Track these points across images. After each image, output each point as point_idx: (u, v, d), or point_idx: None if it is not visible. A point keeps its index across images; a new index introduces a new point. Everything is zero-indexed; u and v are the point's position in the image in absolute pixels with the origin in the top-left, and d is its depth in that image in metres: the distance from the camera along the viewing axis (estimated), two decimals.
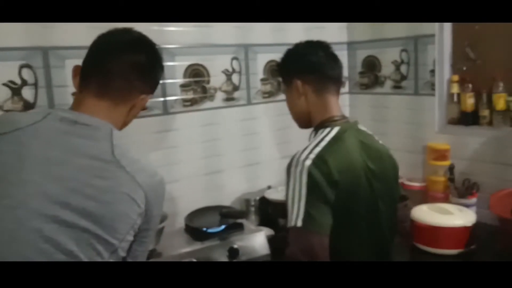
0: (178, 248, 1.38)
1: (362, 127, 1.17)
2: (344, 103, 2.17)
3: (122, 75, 0.92)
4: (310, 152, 1.00)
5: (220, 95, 1.75)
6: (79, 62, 1.51)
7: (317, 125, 1.13)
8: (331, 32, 2.06)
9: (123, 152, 0.87)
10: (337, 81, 1.16)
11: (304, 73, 1.13)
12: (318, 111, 1.12)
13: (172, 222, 1.55)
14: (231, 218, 1.49)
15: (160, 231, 1.37)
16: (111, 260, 0.82)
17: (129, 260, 0.89)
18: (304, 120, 1.17)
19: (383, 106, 2.03)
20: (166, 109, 1.61)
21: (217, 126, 1.74)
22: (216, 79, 1.73)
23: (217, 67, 1.72)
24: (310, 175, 0.97)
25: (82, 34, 1.37)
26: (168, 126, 1.63)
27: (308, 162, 0.98)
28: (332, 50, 1.18)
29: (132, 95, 0.95)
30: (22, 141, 0.81)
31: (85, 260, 0.77)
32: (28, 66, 1.33)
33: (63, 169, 0.80)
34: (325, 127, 1.08)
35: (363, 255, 1.07)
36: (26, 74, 1.33)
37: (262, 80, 1.84)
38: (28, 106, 1.35)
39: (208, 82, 1.71)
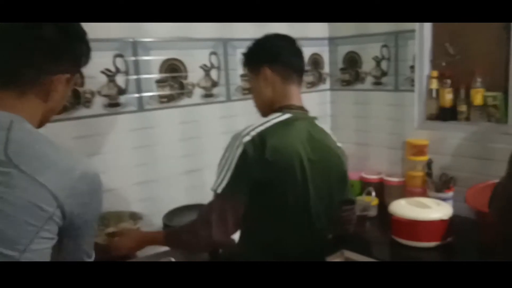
0: (156, 247, 1.36)
1: (319, 123, 1.25)
2: (325, 99, 2.19)
3: (22, 57, 0.82)
4: (253, 130, 1.09)
5: (198, 92, 1.73)
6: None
7: (274, 109, 1.20)
8: (313, 28, 2.07)
9: (21, 149, 0.78)
10: (301, 73, 1.25)
11: (273, 62, 1.20)
12: (280, 100, 1.20)
13: (150, 221, 1.53)
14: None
15: None
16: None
17: (66, 255, 0.84)
18: (267, 109, 1.22)
19: (364, 102, 2.06)
20: (141, 105, 1.58)
21: (196, 124, 1.72)
22: (194, 75, 1.71)
23: (195, 62, 1.70)
24: (244, 150, 1.06)
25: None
26: (144, 124, 1.59)
27: (247, 138, 1.07)
28: (298, 45, 1.25)
29: (42, 80, 0.84)
30: None
31: None
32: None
33: None
34: (278, 111, 1.17)
35: (289, 240, 1.14)
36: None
37: (242, 76, 1.83)
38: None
39: (186, 77, 1.69)
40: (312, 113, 2.08)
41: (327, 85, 2.19)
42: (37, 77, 0.84)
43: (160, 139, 1.64)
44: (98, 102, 1.49)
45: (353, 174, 1.97)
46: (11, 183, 0.75)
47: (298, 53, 1.25)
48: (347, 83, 2.12)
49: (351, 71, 2.10)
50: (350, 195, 1.34)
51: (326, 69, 2.18)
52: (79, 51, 0.92)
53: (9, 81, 0.82)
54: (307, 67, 2.11)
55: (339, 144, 1.29)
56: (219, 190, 1.07)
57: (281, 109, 1.18)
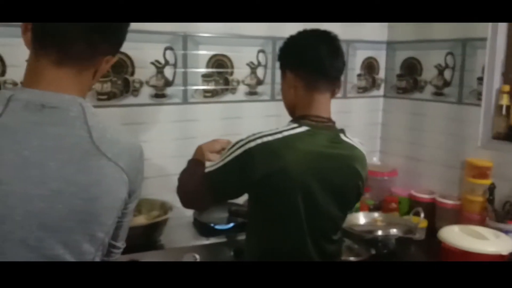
0: (182, 241, 1.45)
1: (346, 137, 1.15)
2: (377, 107, 2.16)
3: (83, 38, 0.83)
4: (260, 138, 1.06)
5: (242, 89, 1.79)
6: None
7: (294, 118, 1.16)
8: (370, 30, 2.05)
9: (102, 134, 0.82)
10: (333, 80, 1.15)
11: (297, 68, 1.14)
12: (302, 106, 1.14)
13: (181, 213, 1.63)
14: (240, 217, 1.54)
15: (164, 222, 1.45)
16: (98, 253, 0.85)
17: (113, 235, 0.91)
18: (292, 111, 1.20)
19: (421, 113, 1.99)
20: (186, 98, 1.68)
21: (238, 120, 1.79)
22: (240, 72, 1.77)
23: (242, 59, 1.77)
24: (243, 154, 1.06)
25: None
26: (186, 116, 1.69)
27: (251, 145, 1.06)
28: (338, 44, 1.15)
29: (96, 60, 0.87)
30: None
31: (72, 260, 0.79)
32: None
33: (43, 171, 0.76)
34: (296, 122, 1.11)
35: (286, 249, 1.13)
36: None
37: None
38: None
39: (231, 74, 1.76)
40: (361, 120, 2.09)
41: (380, 91, 2.16)
42: (93, 56, 0.86)
43: (201, 133, 1.71)
44: (146, 92, 1.61)
45: (401, 190, 1.97)
46: (103, 170, 0.81)
47: (333, 55, 1.14)
48: (403, 91, 2.08)
49: (409, 78, 2.05)
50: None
51: (381, 74, 2.14)
52: (125, 34, 0.95)
53: (68, 57, 0.82)
54: (360, 71, 2.11)
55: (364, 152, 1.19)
56: (206, 170, 1.13)
57: (300, 119, 1.12)
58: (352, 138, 1.18)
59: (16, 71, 1.39)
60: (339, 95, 2.01)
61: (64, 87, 0.82)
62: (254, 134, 1.08)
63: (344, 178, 1.13)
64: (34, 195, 0.76)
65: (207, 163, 1.18)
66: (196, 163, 1.25)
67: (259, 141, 1.06)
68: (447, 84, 1.90)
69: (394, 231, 1.63)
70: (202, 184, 1.13)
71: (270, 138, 1.06)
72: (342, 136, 1.15)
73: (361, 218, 1.75)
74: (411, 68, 2.04)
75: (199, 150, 1.29)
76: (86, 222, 0.81)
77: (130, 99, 1.59)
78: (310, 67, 1.13)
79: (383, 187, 2.04)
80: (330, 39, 1.15)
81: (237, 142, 1.10)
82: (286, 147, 1.06)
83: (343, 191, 1.14)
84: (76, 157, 0.79)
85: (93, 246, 0.83)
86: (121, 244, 0.95)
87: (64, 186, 0.78)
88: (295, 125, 1.10)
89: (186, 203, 1.21)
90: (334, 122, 1.17)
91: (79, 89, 0.85)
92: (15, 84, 1.40)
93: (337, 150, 1.12)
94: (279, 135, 1.07)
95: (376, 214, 1.78)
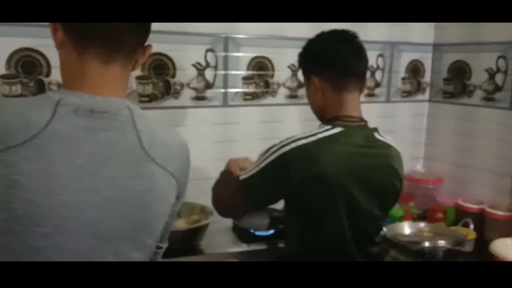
0: (222, 247, 1.44)
1: (380, 136, 1.15)
2: (422, 111, 2.10)
3: (130, 28, 0.79)
4: (294, 141, 1.06)
5: (283, 91, 1.78)
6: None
7: (325, 120, 1.14)
8: (416, 32, 2.00)
9: (151, 139, 0.80)
10: (359, 78, 1.15)
11: (321, 69, 1.13)
12: (333, 108, 1.13)
13: (220, 219, 1.62)
14: (281, 224, 1.52)
15: (204, 227, 1.45)
16: (146, 259, 0.84)
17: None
18: (321, 115, 1.18)
19: (469, 118, 1.93)
20: (226, 101, 1.68)
21: (278, 124, 1.78)
22: (281, 74, 1.76)
23: (283, 62, 1.75)
24: (278, 158, 1.05)
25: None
26: (226, 119, 1.69)
27: (285, 149, 1.05)
28: (358, 42, 1.15)
29: (137, 51, 0.84)
30: (42, 155, 0.71)
31: None
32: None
33: (96, 179, 0.75)
34: (328, 124, 1.10)
35: (328, 254, 1.12)
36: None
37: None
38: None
39: (272, 76, 1.75)
40: (405, 125, 2.05)
41: (426, 95, 2.10)
42: (136, 48, 0.83)
43: (240, 136, 1.73)
44: (186, 94, 1.62)
45: (447, 199, 1.91)
46: (153, 176, 0.79)
47: (356, 54, 1.14)
48: (450, 95, 2.01)
49: (456, 82, 1.98)
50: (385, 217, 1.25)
51: (427, 78, 2.08)
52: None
53: (116, 51, 0.79)
54: (405, 74, 2.06)
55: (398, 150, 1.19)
56: (241, 177, 1.12)
57: (332, 120, 1.12)
58: (385, 136, 1.17)
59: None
60: (382, 99, 2.00)
61: (111, 88, 0.79)
62: (287, 138, 1.08)
63: (382, 177, 1.12)
64: (87, 205, 0.74)
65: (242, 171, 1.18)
66: (229, 173, 1.27)
67: (293, 145, 1.05)
68: (498, 88, 1.83)
69: (442, 242, 1.57)
70: (237, 191, 1.13)
71: (304, 141, 1.06)
72: (376, 134, 1.14)
73: (406, 228, 1.69)
74: (459, 72, 1.97)
75: (231, 163, 1.31)
76: (138, 229, 0.80)
77: (171, 101, 1.60)
78: (335, 68, 1.13)
79: (428, 195, 1.98)
80: (350, 37, 1.16)
81: (271, 147, 1.09)
82: (322, 149, 1.05)
83: (382, 190, 1.13)
84: (127, 164, 0.78)
85: (143, 253, 0.82)
86: (164, 244, 0.95)
87: (117, 194, 0.77)
88: (329, 126, 1.09)
89: (222, 212, 1.22)
90: (366, 121, 1.16)
91: (124, 88, 0.83)
92: (60, 85, 1.42)
93: (373, 149, 1.12)
94: (313, 138, 1.06)
95: (422, 224, 1.73)
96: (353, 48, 1.14)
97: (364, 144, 1.11)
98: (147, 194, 0.79)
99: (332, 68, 1.12)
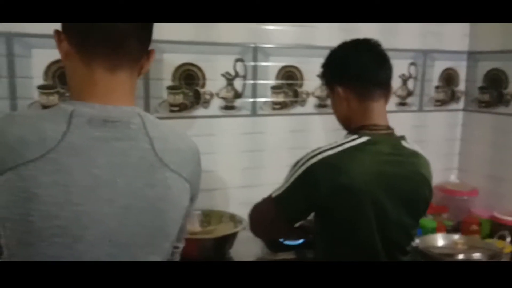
0: (251, 256, 1.44)
1: (407, 143, 1.14)
2: (456, 121, 2.06)
3: (132, 33, 0.79)
4: (320, 153, 1.06)
5: (312, 101, 1.78)
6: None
7: (351, 129, 1.14)
8: (450, 39, 1.96)
9: (164, 145, 0.81)
10: (384, 86, 1.14)
11: (345, 79, 1.14)
12: (358, 118, 1.13)
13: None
14: (311, 233, 1.51)
15: (234, 236, 1.46)
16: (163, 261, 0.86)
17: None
18: (347, 125, 1.18)
19: (505, 129, 1.87)
20: (254, 110, 1.70)
21: (307, 134, 1.78)
22: (310, 83, 1.76)
23: (312, 71, 1.75)
24: (306, 172, 1.05)
25: (182, 30, 1.55)
26: (255, 129, 1.71)
27: (312, 161, 1.05)
28: (381, 50, 1.15)
29: (142, 57, 0.84)
30: (60, 167, 0.72)
31: None
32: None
33: (113, 188, 0.76)
34: (355, 133, 1.10)
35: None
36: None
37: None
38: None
39: (301, 86, 1.75)
40: (438, 135, 2.00)
41: (460, 104, 2.05)
42: (141, 54, 0.83)
43: (269, 145, 1.73)
44: (216, 104, 1.64)
45: (482, 211, 1.86)
46: (167, 182, 0.80)
47: (379, 63, 1.14)
48: (486, 105, 1.96)
49: (492, 91, 1.93)
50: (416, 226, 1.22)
51: (461, 86, 2.04)
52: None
53: (121, 58, 0.79)
54: (438, 83, 2.02)
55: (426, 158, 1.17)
56: (273, 195, 1.13)
57: (358, 130, 1.11)
58: (412, 144, 1.16)
59: None
60: (414, 108, 1.97)
61: (119, 95, 0.80)
62: (314, 150, 1.08)
63: (411, 185, 1.11)
64: (105, 214, 0.76)
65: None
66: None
67: (319, 156, 1.05)
68: None
69: (477, 255, 1.53)
70: (271, 210, 1.13)
71: (330, 152, 1.05)
72: (403, 142, 1.14)
73: (439, 240, 1.66)
74: (495, 81, 1.92)
75: None
76: (154, 235, 0.81)
77: (201, 111, 1.63)
78: (358, 78, 1.13)
79: (462, 207, 1.93)
80: (372, 46, 1.16)
81: (298, 161, 1.09)
82: (349, 159, 1.05)
83: (411, 198, 1.12)
84: (142, 171, 0.79)
85: (159, 256, 0.84)
86: (181, 244, 0.97)
87: (133, 202, 0.78)
88: (355, 136, 1.09)
89: (260, 234, 1.23)
90: (393, 129, 1.15)
91: (132, 95, 0.83)
92: None
93: (401, 157, 1.11)
94: (340, 148, 1.06)
95: (456, 236, 1.68)
96: (376, 57, 1.14)
97: (391, 152, 1.10)
98: (162, 200, 0.81)
99: (355, 78, 1.13)
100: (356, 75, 1.13)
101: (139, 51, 0.82)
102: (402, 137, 1.15)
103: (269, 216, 1.14)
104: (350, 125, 1.16)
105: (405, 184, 1.10)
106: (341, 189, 1.04)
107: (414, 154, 1.14)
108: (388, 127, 1.14)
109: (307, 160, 1.07)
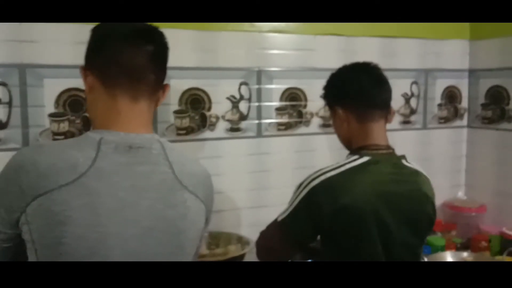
0: None
1: (408, 162, 1.15)
2: (460, 138, 2.06)
3: (150, 68, 0.87)
4: (322, 174, 1.07)
5: (316, 121, 1.81)
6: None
7: (352, 150, 1.16)
8: (450, 58, 1.99)
9: (182, 168, 0.87)
10: (383, 107, 1.17)
11: (345, 101, 1.17)
12: (359, 138, 1.15)
13: None
14: (315, 255, 1.48)
15: (241, 257, 1.46)
16: None
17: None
18: (348, 145, 1.20)
19: (509, 145, 1.88)
20: (260, 132, 1.73)
21: (312, 153, 1.80)
22: (313, 104, 1.79)
23: (315, 91, 1.75)
24: (309, 193, 1.07)
25: (188, 56, 1.60)
26: (260, 150, 1.73)
27: (315, 183, 1.07)
28: (380, 73, 1.18)
29: (159, 89, 0.92)
30: (90, 191, 0.77)
31: None
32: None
33: (136, 209, 0.81)
34: (355, 154, 1.12)
35: None
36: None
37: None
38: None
39: (305, 106, 1.79)
40: (443, 152, 2.00)
41: (464, 121, 2.07)
42: (158, 86, 0.91)
43: (275, 166, 1.75)
44: (221, 126, 1.68)
45: (491, 228, 1.85)
46: (187, 204, 0.86)
47: (377, 83, 1.16)
48: (489, 121, 1.97)
49: (495, 107, 1.94)
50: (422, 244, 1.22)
51: (464, 103, 2.06)
52: None
53: (143, 90, 0.87)
54: (441, 101, 2.03)
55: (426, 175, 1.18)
56: (279, 219, 1.13)
57: (359, 150, 1.13)
58: (412, 163, 1.17)
59: None
60: (418, 125, 1.98)
61: (140, 124, 0.87)
62: (315, 172, 1.10)
63: (414, 204, 1.12)
64: (129, 235, 0.80)
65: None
66: None
67: (322, 177, 1.07)
68: None
69: None
70: (278, 234, 1.14)
71: (333, 173, 1.07)
72: (404, 162, 1.15)
73: (449, 258, 1.65)
74: (497, 97, 1.94)
75: None
76: (173, 254, 0.85)
77: (207, 133, 1.66)
78: (357, 99, 1.15)
79: (471, 224, 1.92)
80: (371, 69, 1.19)
81: (301, 183, 1.11)
82: (350, 180, 1.06)
83: (415, 217, 1.12)
84: (163, 193, 0.84)
85: None
86: None
87: (155, 223, 0.82)
88: (356, 156, 1.11)
89: (267, 260, 1.21)
90: (393, 149, 1.17)
91: (151, 123, 0.90)
92: None
93: (402, 176, 1.12)
94: (342, 169, 1.08)
95: (465, 254, 1.67)
96: (374, 79, 1.17)
97: (392, 172, 1.11)
98: (182, 221, 0.85)
99: (354, 99, 1.15)
100: (355, 96, 1.15)
101: (156, 84, 0.90)
102: (403, 156, 1.16)
103: (276, 240, 1.15)
104: (351, 145, 1.18)
105: (407, 203, 1.10)
106: (343, 210, 1.04)
107: (415, 173, 1.16)
108: (388, 147, 1.16)
109: (310, 182, 1.08)
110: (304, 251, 1.49)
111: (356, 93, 1.15)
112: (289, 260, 1.49)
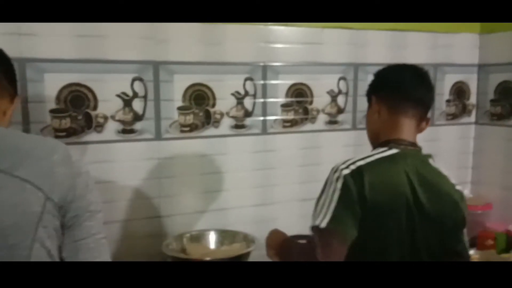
0: None
1: (434, 162, 1.13)
2: (468, 134, 2.03)
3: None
4: (352, 163, 1.05)
5: (322, 117, 1.77)
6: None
7: (379, 143, 1.13)
8: (460, 53, 1.95)
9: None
10: (418, 104, 1.13)
11: (380, 90, 1.16)
12: (387, 131, 1.13)
13: (262, 245, 1.59)
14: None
15: (246, 255, 1.43)
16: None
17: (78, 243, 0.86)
18: (374, 139, 1.17)
19: None
20: (265, 129, 1.69)
21: (318, 150, 1.76)
22: (320, 100, 1.75)
23: (322, 87, 1.74)
24: (344, 183, 1.03)
25: (191, 50, 1.55)
26: (266, 147, 1.69)
27: (346, 171, 1.04)
28: (424, 73, 1.16)
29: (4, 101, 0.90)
30: None
31: None
32: (139, 79, 1.50)
33: None
34: (384, 146, 1.10)
35: None
36: (138, 86, 1.50)
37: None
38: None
39: (311, 103, 1.74)
40: (450, 148, 1.97)
41: (472, 118, 2.03)
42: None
43: (280, 163, 1.72)
44: (226, 123, 1.64)
45: (498, 225, 1.83)
46: None
47: (417, 80, 1.14)
48: (498, 117, 1.93)
49: (504, 103, 1.90)
50: (464, 249, 1.18)
51: (472, 99, 2.01)
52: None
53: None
54: (449, 96, 1.99)
55: (458, 187, 1.15)
56: (322, 225, 1.03)
57: (388, 143, 1.11)
58: (440, 166, 1.14)
59: (106, 105, 1.47)
60: None
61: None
62: (344, 162, 1.06)
63: (439, 204, 1.08)
64: None
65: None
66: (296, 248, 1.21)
67: (352, 166, 1.05)
68: None
69: None
70: (328, 241, 1.03)
71: (362, 162, 1.05)
72: (430, 161, 1.13)
73: None
74: (506, 93, 1.90)
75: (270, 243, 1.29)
76: None
77: (211, 130, 1.62)
78: (392, 90, 1.14)
79: (476, 221, 1.90)
80: (416, 68, 1.17)
81: (331, 178, 1.06)
82: (380, 168, 1.05)
83: (440, 220, 1.08)
84: None
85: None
86: None
87: None
88: (384, 148, 1.10)
89: None
90: (420, 148, 1.14)
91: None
92: (105, 117, 1.47)
93: (428, 174, 1.09)
94: (371, 158, 1.07)
95: (471, 252, 1.64)
96: (414, 75, 1.15)
97: (422, 169, 1.09)
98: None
99: (389, 90, 1.14)
100: (391, 87, 1.14)
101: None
102: (429, 156, 1.14)
103: (329, 248, 1.03)
104: (378, 139, 1.15)
105: (430, 202, 1.07)
106: (373, 198, 1.02)
107: (439, 173, 1.13)
108: (415, 144, 1.14)
109: (341, 171, 1.04)
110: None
111: (393, 84, 1.14)
112: None
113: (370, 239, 1.06)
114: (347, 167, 1.04)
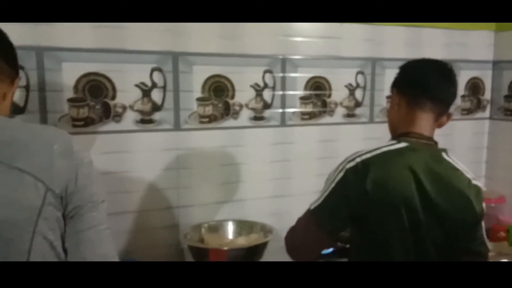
0: None
1: (448, 157, 1.04)
2: (482, 129, 1.94)
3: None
4: (359, 156, 1.00)
5: (340, 111, 1.68)
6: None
7: (394, 136, 1.08)
8: (475, 49, 1.86)
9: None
10: (437, 100, 1.05)
11: (400, 83, 1.10)
12: (404, 124, 1.06)
13: (280, 236, 1.45)
14: (340, 242, 1.34)
15: (264, 245, 1.33)
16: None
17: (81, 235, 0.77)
18: (393, 131, 1.11)
19: None
20: (283, 121, 1.60)
21: (335, 143, 1.67)
22: (338, 94, 1.67)
23: (340, 81, 1.67)
24: (344, 176, 0.99)
25: (210, 42, 1.43)
26: (284, 139, 1.60)
27: (350, 164, 0.99)
28: (446, 68, 1.07)
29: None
30: None
31: None
32: (159, 69, 1.39)
33: None
34: (395, 139, 1.05)
35: None
36: (156, 77, 1.39)
37: (388, 97, 1.66)
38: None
39: (329, 96, 1.65)
40: (465, 143, 1.82)
41: (486, 113, 1.94)
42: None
43: (298, 156, 1.62)
44: (245, 115, 1.54)
45: (510, 218, 1.74)
46: None
47: (439, 77, 1.05)
48: (511, 113, 1.83)
49: None
50: (480, 246, 1.08)
51: (487, 95, 1.93)
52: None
53: None
54: (464, 92, 1.89)
55: (475, 182, 1.04)
56: (312, 207, 1.03)
57: (399, 136, 1.05)
58: (455, 160, 1.05)
59: (124, 95, 1.36)
60: None
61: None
62: (352, 155, 1.02)
63: (448, 200, 0.99)
64: None
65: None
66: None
67: (358, 159, 0.99)
68: None
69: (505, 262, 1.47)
70: (311, 223, 1.02)
71: (368, 155, 0.99)
72: (444, 155, 1.04)
73: None
74: None
75: None
76: None
77: (230, 122, 1.53)
78: (413, 83, 1.06)
79: (490, 214, 1.81)
80: (440, 64, 1.09)
81: (336, 169, 1.02)
82: (384, 161, 0.98)
83: (449, 216, 0.99)
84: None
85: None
86: None
87: None
88: (394, 141, 1.04)
89: (298, 254, 1.07)
90: (436, 142, 1.07)
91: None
92: (124, 107, 1.30)
93: (439, 169, 1.00)
94: (378, 151, 1.00)
95: None
96: (437, 71, 1.06)
97: (428, 162, 1.01)
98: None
99: (410, 83, 1.07)
100: (410, 80, 1.07)
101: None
102: (444, 150, 1.06)
103: (309, 230, 1.03)
104: (396, 132, 1.09)
105: (440, 198, 0.98)
106: (377, 189, 0.95)
107: (453, 167, 1.04)
108: (431, 138, 1.06)
109: (345, 164, 1.00)
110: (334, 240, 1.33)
111: (414, 77, 1.06)
112: (319, 255, 1.33)
113: (373, 234, 1.01)
114: (353, 160, 0.99)
